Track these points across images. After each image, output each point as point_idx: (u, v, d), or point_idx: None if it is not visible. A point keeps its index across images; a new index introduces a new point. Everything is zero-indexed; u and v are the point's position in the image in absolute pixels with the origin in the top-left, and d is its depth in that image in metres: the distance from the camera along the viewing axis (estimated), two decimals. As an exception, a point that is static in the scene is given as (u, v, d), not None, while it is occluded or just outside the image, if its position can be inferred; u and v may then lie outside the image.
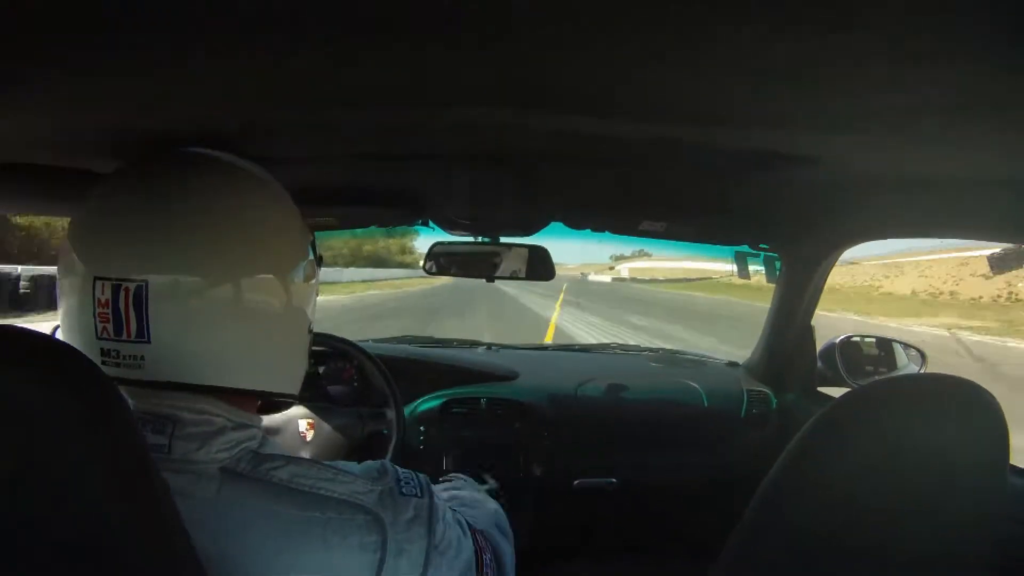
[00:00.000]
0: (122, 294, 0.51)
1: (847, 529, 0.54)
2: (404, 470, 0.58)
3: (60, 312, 0.56)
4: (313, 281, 0.63)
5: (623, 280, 61.01)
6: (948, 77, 0.48)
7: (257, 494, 0.51)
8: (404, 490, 0.55)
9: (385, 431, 1.25)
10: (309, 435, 1.19)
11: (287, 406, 1.10)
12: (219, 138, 0.71)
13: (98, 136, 0.72)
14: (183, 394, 0.52)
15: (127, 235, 0.52)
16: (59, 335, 0.54)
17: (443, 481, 0.88)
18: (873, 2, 0.37)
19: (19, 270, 10.37)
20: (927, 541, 0.53)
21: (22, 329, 0.42)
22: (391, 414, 1.24)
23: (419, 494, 0.56)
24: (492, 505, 0.76)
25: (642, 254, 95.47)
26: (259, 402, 0.61)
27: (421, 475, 0.59)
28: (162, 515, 0.43)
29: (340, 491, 0.52)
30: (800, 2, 0.37)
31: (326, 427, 1.20)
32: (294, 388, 0.63)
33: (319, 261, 0.65)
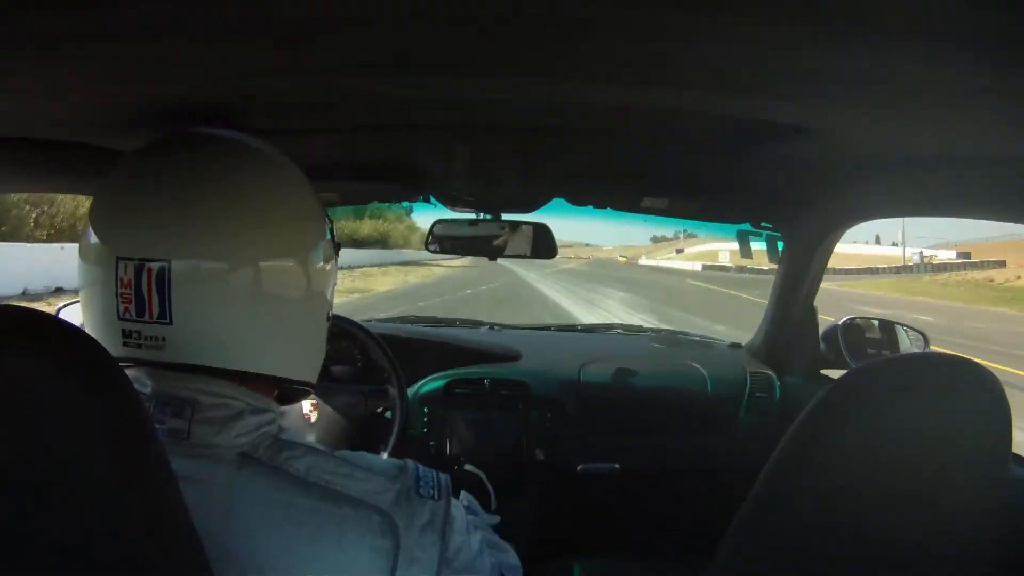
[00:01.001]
0: (145, 275, 0.50)
1: (849, 512, 0.54)
2: (425, 468, 0.58)
3: (81, 291, 0.56)
4: (332, 263, 0.63)
5: (723, 268, 39.95)
6: (952, 54, 0.47)
7: (274, 484, 0.51)
8: (421, 491, 0.55)
9: (388, 414, 1.25)
10: (313, 416, 1.19)
11: (304, 396, 1.12)
12: (219, 111, 0.71)
13: (105, 112, 0.73)
14: (203, 377, 0.52)
15: (151, 215, 0.52)
16: (64, 315, 0.54)
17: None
18: None
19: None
20: (929, 524, 0.53)
21: (26, 309, 0.42)
22: (393, 391, 1.24)
23: (436, 496, 0.55)
24: (514, 560, 0.74)
25: (688, 235, 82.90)
26: (276, 391, 0.60)
27: (443, 476, 0.58)
28: (166, 504, 0.43)
29: (356, 489, 0.52)
30: None
31: (328, 408, 1.21)
32: (312, 376, 0.62)
33: (337, 247, 0.65)
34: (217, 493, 0.49)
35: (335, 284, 0.65)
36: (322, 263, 0.60)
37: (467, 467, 1.23)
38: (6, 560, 0.37)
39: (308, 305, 0.59)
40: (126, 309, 0.51)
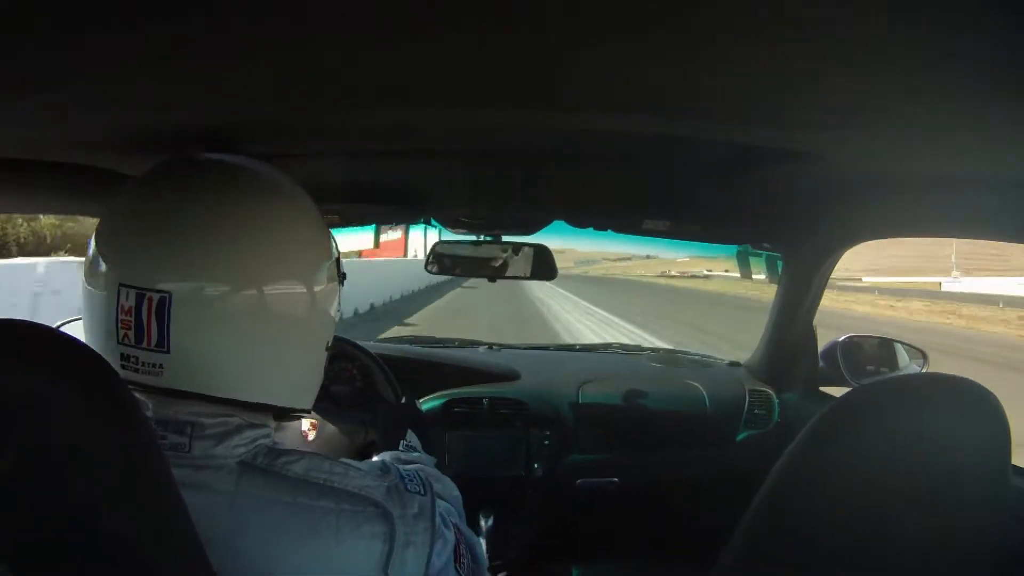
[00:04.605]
0: (146, 303, 0.51)
1: (848, 528, 0.54)
2: (405, 468, 0.60)
3: (83, 311, 0.56)
4: (334, 290, 0.63)
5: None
6: (950, 77, 0.48)
7: (274, 486, 0.52)
8: (409, 487, 0.57)
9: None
10: (311, 435, 1.19)
11: (300, 416, 1.12)
12: (223, 135, 0.71)
13: (109, 135, 0.73)
14: (200, 401, 0.53)
15: (155, 245, 0.53)
16: (67, 331, 0.54)
17: (405, 452, 0.90)
18: (874, 2, 0.37)
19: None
20: (929, 540, 0.53)
21: (28, 323, 0.42)
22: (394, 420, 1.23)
23: (423, 492, 0.58)
24: (456, 492, 0.78)
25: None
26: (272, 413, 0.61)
27: (422, 473, 0.61)
28: (169, 511, 0.43)
29: (352, 484, 0.54)
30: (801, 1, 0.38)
31: (329, 428, 1.20)
32: (308, 403, 0.64)
33: (342, 277, 0.65)
34: (220, 499, 0.51)
35: (339, 311, 0.65)
36: (323, 292, 0.61)
37: (408, 402, 1.19)
38: (12, 566, 0.37)
39: (307, 337, 0.60)
40: (125, 335, 0.52)
